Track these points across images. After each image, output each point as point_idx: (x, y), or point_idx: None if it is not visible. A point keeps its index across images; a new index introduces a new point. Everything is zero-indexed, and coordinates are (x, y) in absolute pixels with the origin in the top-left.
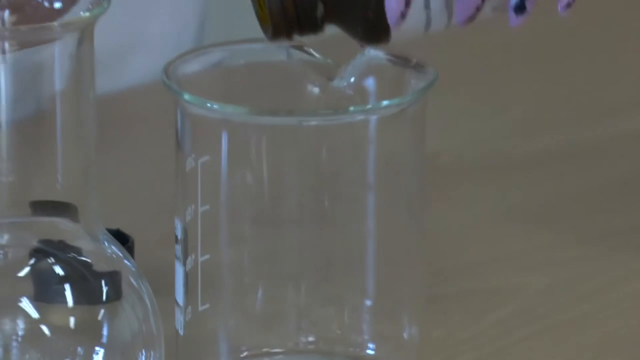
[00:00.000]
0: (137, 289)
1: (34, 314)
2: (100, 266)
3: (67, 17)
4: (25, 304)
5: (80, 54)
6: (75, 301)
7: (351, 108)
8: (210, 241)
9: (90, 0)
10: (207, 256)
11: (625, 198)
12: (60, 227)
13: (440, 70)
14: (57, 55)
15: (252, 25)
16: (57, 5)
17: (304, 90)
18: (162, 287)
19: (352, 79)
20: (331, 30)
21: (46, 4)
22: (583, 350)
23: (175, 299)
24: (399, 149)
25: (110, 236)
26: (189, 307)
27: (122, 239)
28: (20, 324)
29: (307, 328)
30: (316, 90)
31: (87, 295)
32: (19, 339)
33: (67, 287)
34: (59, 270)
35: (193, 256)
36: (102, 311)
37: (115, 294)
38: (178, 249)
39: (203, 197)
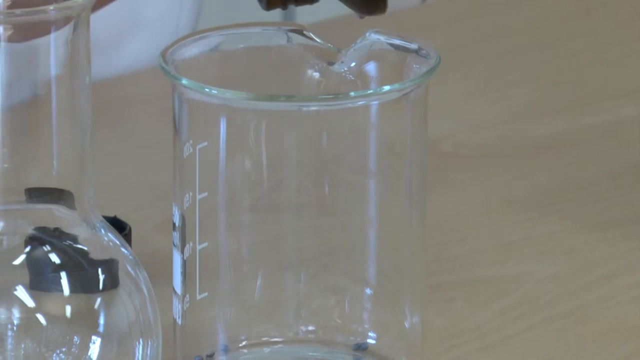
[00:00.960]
0: (134, 277)
1: (30, 303)
2: (96, 254)
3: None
4: (21, 293)
5: (76, 38)
6: (72, 289)
7: (352, 93)
8: (208, 229)
9: None
10: (205, 244)
11: (630, 185)
12: (56, 215)
13: (443, 54)
14: (53, 39)
15: (250, 7)
16: None
17: (304, 75)
18: (160, 275)
19: (353, 64)
20: (331, 13)
21: None
22: (587, 339)
23: (173, 287)
24: (401, 135)
25: (107, 223)
26: (187, 296)
27: (119, 226)
28: (16, 313)
29: (307, 317)
30: (316, 75)
31: (83, 284)
32: (15, 328)
33: (63, 275)
34: (54, 258)
35: (191, 244)
36: (98, 300)
37: (112, 282)
38: (176, 236)
39: (201, 184)
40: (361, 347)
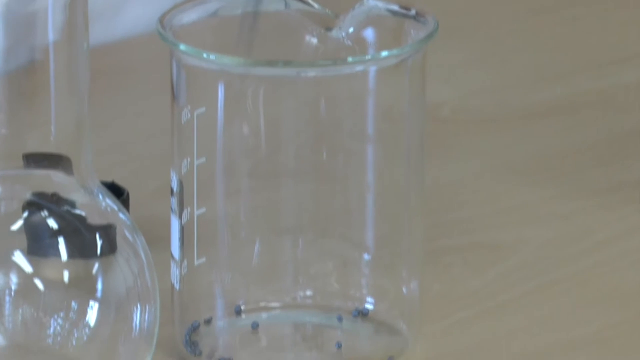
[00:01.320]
0: (132, 242)
1: (28, 268)
2: (94, 220)
3: None
4: (19, 258)
5: (74, 3)
6: (69, 255)
7: (350, 59)
8: (206, 194)
9: None
10: (203, 209)
11: (628, 151)
12: (54, 180)
13: (441, 20)
14: (51, 5)
15: None
16: None
17: (302, 41)
18: (158, 240)
19: (351, 30)
20: None
21: None
22: (585, 305)
23: (171, 252)
24: (399, 101)
25: (105, 189)
26: (185, 261)
27: (117, 191)
28: (14, 278)
29: (305, 282)
30: (314, 41)
31: (81, 249)
32: (12, 293)
33: (61, 240)
34: (52, 223)
35: (189, 209)
36: (96, 265)
37: (110, 247)
38: (174, 202)
39: (199, 150)
40: (362, 313)
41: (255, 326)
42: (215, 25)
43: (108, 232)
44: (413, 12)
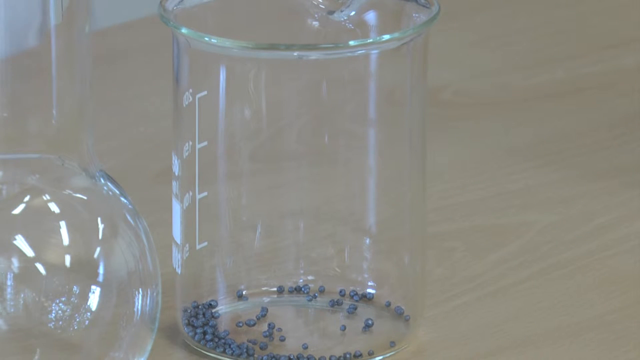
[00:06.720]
0: (134, 226)
1: (29, 252)
2: (96, 203)
3: None
4: (20, 242)
5: None
6: (71, 239)
7: (352, 42)
8: (208, 178)
9: None
10: (204, 193)
11: (629, 134)
12: (56, 164)
13: (443, 3)
14: None
15: None
16: None
17: (304, 23)
18: (159, 224)
19: (353, 13)
20: None
21: None
22: (586, 288)
23: (172, 236)
24: (401, 84)
25: (107, 173)
26: (187, 245)
27: None
28: (15, 262)
29: (306, 267)
30: (316, 23)
31: (82, 233)
32: (14, 277)
33: (62, 224)
34: (54, 207)
35: (191, 193)
36: (97, 249)
37: (112, 231)
38: (175, 185)
39: (201, 133)
40: (364, 297)
41: (260, 316)
42: (216, 7)
43: (110, 215)
44: None
